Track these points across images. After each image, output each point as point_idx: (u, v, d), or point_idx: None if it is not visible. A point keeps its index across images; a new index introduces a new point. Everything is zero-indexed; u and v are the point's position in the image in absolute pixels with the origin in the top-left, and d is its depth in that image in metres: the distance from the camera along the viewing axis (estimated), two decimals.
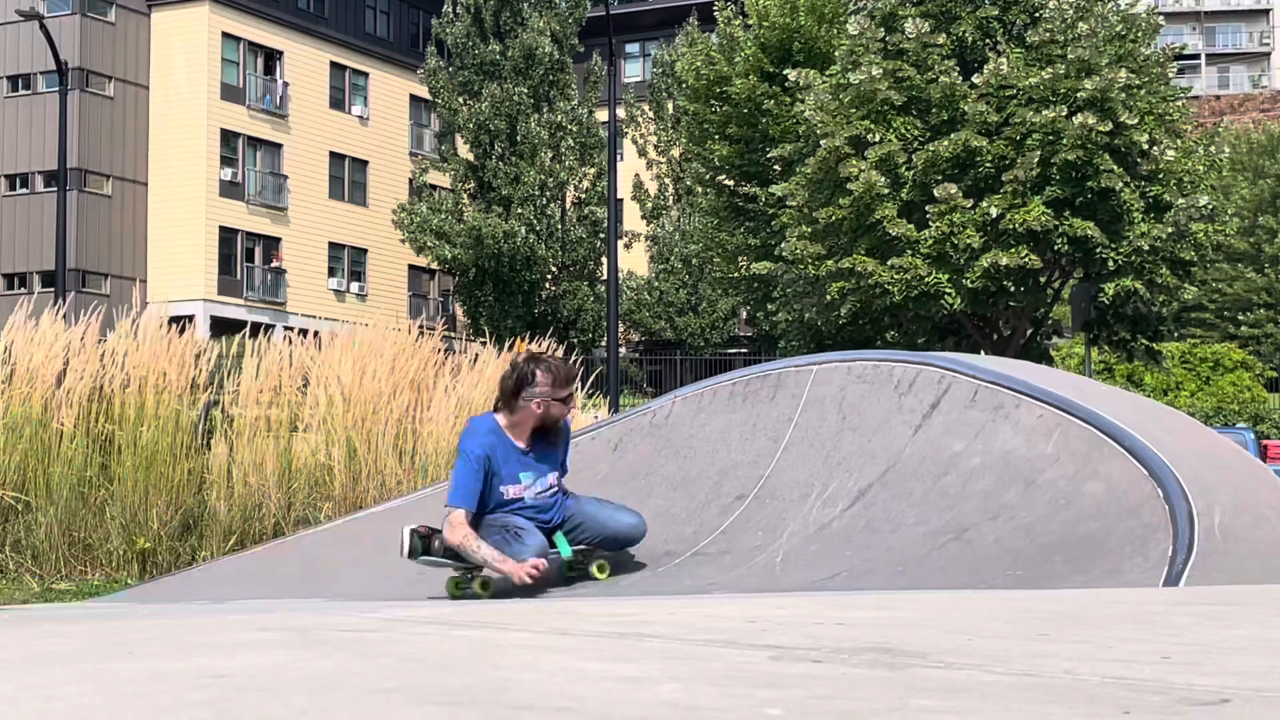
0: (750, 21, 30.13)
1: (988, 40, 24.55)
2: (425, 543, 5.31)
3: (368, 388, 9.84)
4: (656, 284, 44.43)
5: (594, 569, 5.47)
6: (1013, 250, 22.68)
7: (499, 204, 41.53)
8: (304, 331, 10.92)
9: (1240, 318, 51.41)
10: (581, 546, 5.47)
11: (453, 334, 41.69)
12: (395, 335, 10.48)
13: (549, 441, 5.46)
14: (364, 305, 45.11)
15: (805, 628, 2.74)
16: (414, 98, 49.62)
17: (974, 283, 22.92)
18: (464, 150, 43.50)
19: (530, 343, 11.04)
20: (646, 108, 45.32)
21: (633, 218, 45.34)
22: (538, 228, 41.14)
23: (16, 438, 9.51)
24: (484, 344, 11.72)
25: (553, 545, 5.42)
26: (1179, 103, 24.66)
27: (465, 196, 42.55)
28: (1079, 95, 22.62)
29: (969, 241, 22.74)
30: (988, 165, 23.05)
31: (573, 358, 12.57)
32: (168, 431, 9.62)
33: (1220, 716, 1.73)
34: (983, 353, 22.11)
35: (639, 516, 5.51)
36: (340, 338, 10.35)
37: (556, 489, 5.47)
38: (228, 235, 44.16)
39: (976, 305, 23.88)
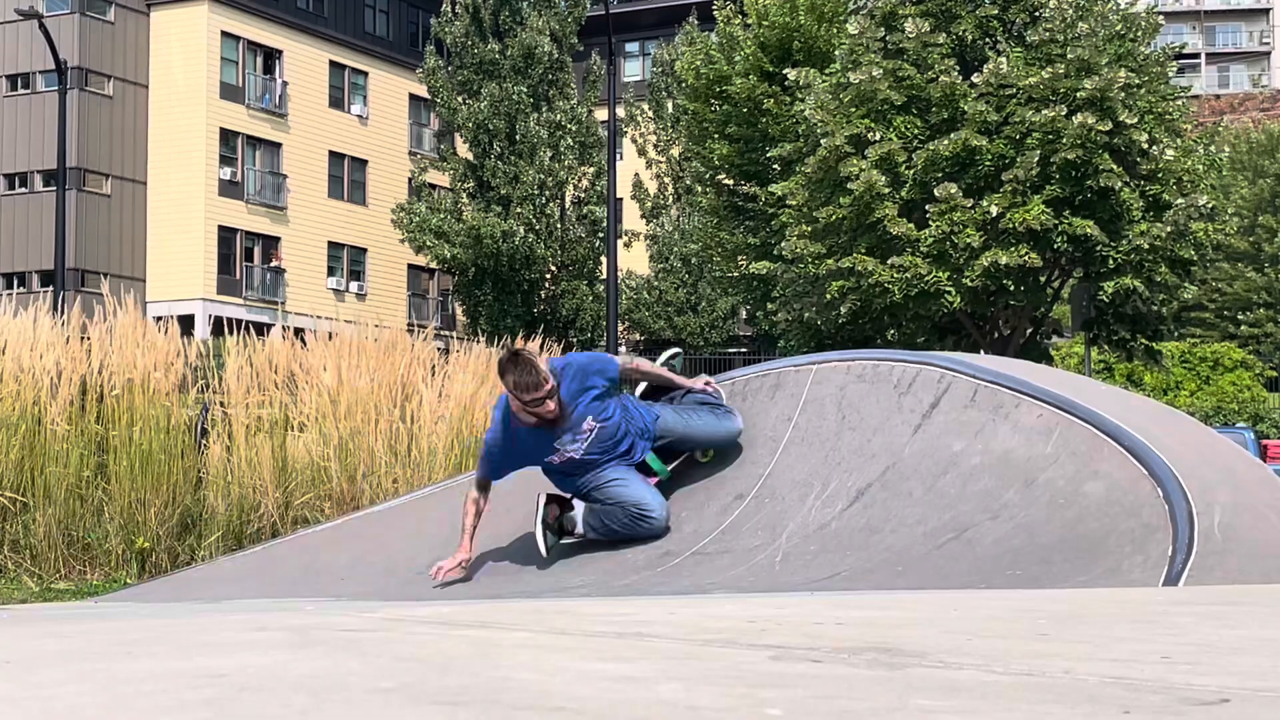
0: (750, 21, 30.11)
1: (988, 39, 24.55)
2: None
3: (351, 388, 9.82)
4: (656, 283, 44.42)
5: (698, 454, 5.81)
6: (1012, 249, 22.68)
7: (498, 203, 41.52)
8: (299, 330, 10.91)
9: (1240, 317, 51.41)
10: (678, 462, 5.79)
11: (448, 332, 41.70)
12: (378, 334, 10.43)
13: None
14: (363, 305, 45.10)
15: (805, 628, 2.74)
16: (413, 97, 49.62)
17: (974, 282, 22.92)
18: (463, 149, 43.49)
19: (528, 342, 11.04)
20: (646, 107, 45.29)
21: (632, 217, 45.32)
22: (537, 227, 41.13)
23: (12, 434, 9.51)
24: (480, 343, 11.69)
25: (652, 474, 5.65)
26: (1179, 102, 24.65)
27: (464, 196, 42.55)
28: (1079, 95, 22.62)
29: (969, 240, 22.74)
30: (987, 164, 23.05)
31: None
32: (160, 430, 9.61)
33: (1220, 716, 1.72)
34: (982, 352, 22.11)
35: (727, 419, 5.72)
36: (325, 337, 10.34)
37: (604, 426, 5.51)
38: (227, 235, 44.15)
39: (976, 304, 23.88)
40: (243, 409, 9.92)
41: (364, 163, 48.47)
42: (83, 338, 10.08)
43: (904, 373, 5.72)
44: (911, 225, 23.19)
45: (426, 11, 49.14)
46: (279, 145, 45.81)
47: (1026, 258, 22.69)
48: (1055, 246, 23.23)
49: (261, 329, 11.13)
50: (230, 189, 44.25)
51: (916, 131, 23.60)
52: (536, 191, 41.07)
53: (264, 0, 45.71)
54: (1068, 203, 23.04)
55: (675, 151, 43.06)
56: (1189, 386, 40.66)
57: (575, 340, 41.00)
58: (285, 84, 46.17)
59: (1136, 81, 23.32)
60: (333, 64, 47.92)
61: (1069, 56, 22.99)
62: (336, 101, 47.97)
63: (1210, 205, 23.66)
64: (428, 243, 41.39)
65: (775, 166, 27.49)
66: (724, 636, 2.58)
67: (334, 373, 9.88)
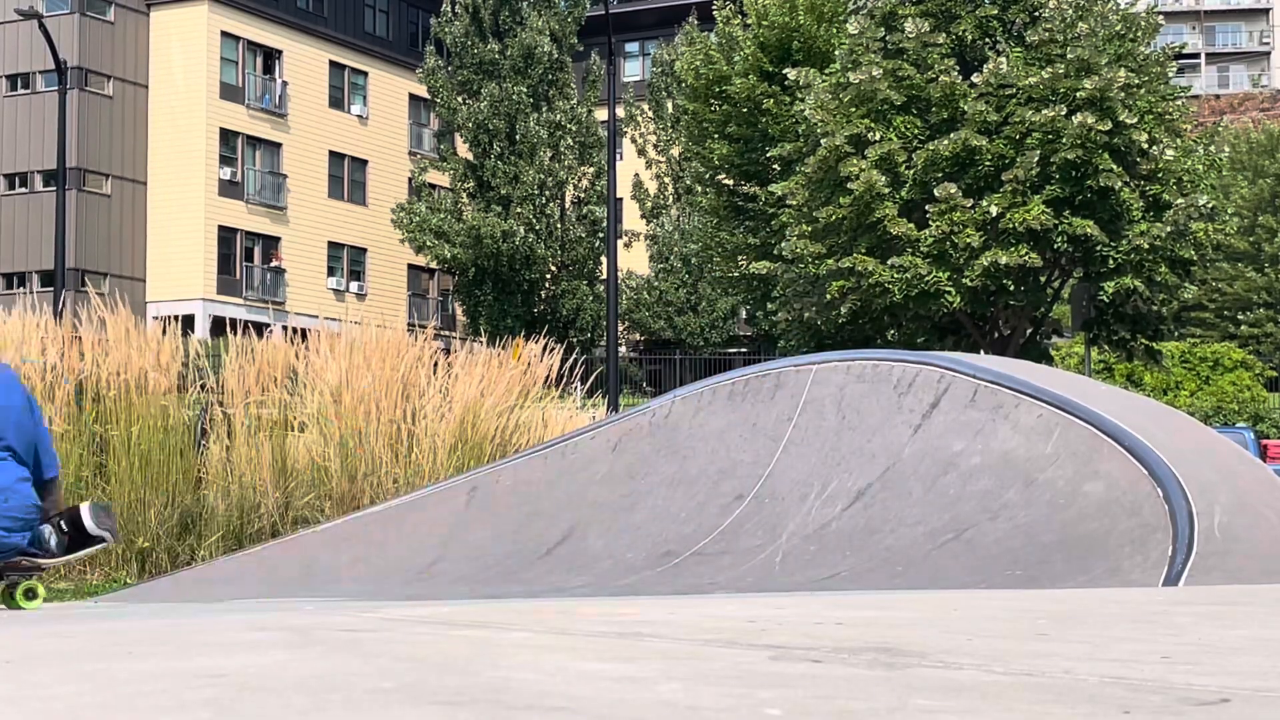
0: (749, 21, 30.11)
1: (987, 39, 24.55)
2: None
3: (355, 388, 9.81)
4: (656, 283, 44.41)
5: None
6: (1012, 249, 22.68)
7: (498, 203, 41.52)
8: (302, 331, 10.89)
9: (1240, 317, 51.39)
10: None
11: (448, 332, 41.72)
12: (383, 334, 10.41)
13: None
14: (363, 305, 45.09)
15: (805, 628, 2.74)
16: (413, 97, 49.61)
17: (974, 282, 22.92)
18: (463, 150, 43.50)
19: (528, 341, 11.04)
20: (646, 107, 45.29)
21: (632, 217, 45.32)
22: (537, 227, 41.12)
23: None
24: (480, 343, 11.68)
25: None
26: (1178, 102, 24.65)
27: (464, 196, 42.54)
28: (1078, 95, 22.62)
29: (969, 240, 22.74)
30: (987, 164, 23.05)
31: (572, 357, 12.55)
32: (159, 430, 9.60)
33: (1220, 716, 1.72)
34: (982, 352, 22.11)
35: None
36: (329, 337, 10.32)
37: None
38: (227, 234, 44.14)
39: (976, 304, 23.87)
40: (241, 409, 9.91)
41: (364, 163, 48.47)
42: (76, 337, 10.08)
43: (904, 373, 5.72)
44: (911, 225, 23.18)
45: (426, 11, 49.13)
46: (279, 145, 45.80)
47: (1026, 258, 22.69)
48: (1055, 246, 23.23)
49: (261, 329, 11.11)
50: (230, 189, 44.24)
51: (916, 131, 23.60)
52: (536, 191, 41.07)
53: (264, 0, 45.71)
54: (1068, 203, 23.04)
55: (675, 151, 43.05)
56: (1189, 386, 40.64)
57: (575, 340, 40.99)
58: (285, 84, 46.16)
59: (1136, 81, 23.32)
60: (332, 64, 47.91)
61: (1069, 56, 22.99)
62: (336, 101, 47.95)
63: (1210, 205, 23.66)
64: (428, 243, 41.39)
65: (775, 166, 27.49)
66: (724, 636, 2.58)
67: (336, 372, 9.88)
